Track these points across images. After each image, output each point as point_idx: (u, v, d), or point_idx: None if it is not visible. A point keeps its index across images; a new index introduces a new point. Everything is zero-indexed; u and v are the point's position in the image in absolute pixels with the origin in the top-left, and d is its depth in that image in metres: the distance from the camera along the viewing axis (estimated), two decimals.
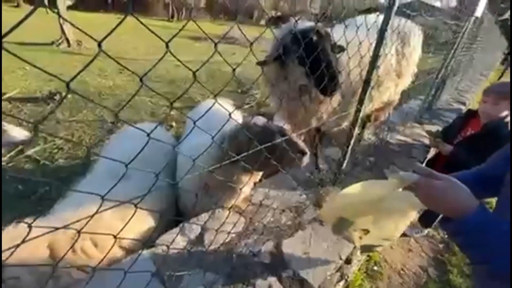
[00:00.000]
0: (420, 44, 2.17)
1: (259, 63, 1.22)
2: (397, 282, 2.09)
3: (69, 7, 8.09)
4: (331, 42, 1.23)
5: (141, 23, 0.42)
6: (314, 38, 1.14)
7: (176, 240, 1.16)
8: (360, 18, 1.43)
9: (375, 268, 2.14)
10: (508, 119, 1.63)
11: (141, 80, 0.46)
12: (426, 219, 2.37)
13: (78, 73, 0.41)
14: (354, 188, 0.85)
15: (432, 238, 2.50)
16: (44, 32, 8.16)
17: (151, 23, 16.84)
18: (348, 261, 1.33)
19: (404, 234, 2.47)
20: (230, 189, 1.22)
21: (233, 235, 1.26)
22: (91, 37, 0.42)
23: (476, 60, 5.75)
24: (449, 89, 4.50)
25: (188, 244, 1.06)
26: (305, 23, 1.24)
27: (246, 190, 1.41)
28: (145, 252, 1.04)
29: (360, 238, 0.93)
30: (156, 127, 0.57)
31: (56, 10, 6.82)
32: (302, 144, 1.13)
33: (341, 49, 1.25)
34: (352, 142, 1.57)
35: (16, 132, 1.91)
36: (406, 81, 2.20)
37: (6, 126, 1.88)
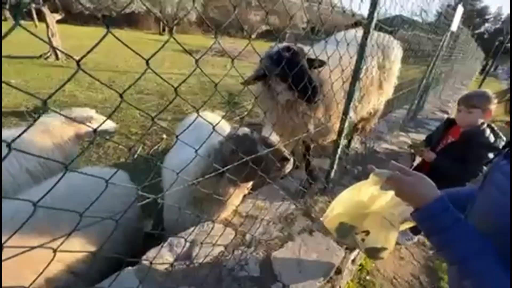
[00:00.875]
0: (400, 57, 2.29)
1: (243, 83, 1.30)
2: None
3: (59, 21, 8.07)
4: (306, 57, 1.32)
5: (117, 38, 0.44)
6: (288, 55, 1.25)
7: (163, 255, 1.14)
8: (340, 34, 1.51)
9: (368, 277, 2.13)
10: (484, 126, 1.70)
11: (121, 96, 0.46)
12: (416, 226, 2.40)
13: (55, 92, 0.42)
14: (344, 193, 0.94)
15: (423, 245, 2.52)
16: (33, 45, 8.09)
17: (143, 37, 17.01)
18: (338, 271, 1.32)
19: (395, 242, 2.48)
20: (218, 202, 1.21)
21: (222, 248, 1.24)
22: (71, 57, 0.42)
23: (455, 71, 6.04)
24: (432, 99, 4.68)
25: (176, 259, 1.04)
26: (281, 44, 1.36)
27: (235, 202, 1.41)
28: (130, 269, 1.01)
29: (363, 240, 0.97)
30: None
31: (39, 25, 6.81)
32: (284, 151, 1.14)
33: (322, 63, 1.34)
34: (339, 151, 1.60)
35: (108, 124, 2.28)
36: (388, 92, 2.31)
37: (96, 116, 2.15)
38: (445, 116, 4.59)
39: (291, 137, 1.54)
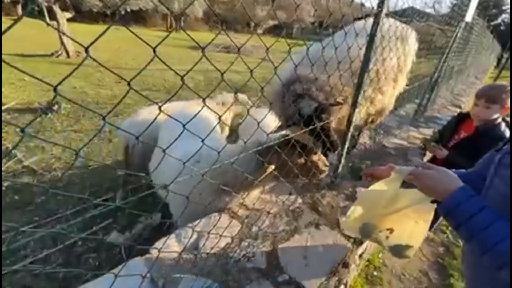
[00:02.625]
0: (415, 49, 2.22)
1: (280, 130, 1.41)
2: (397, 287, 2.06)
3: (69, 20, 8.22)
4: (329, 104, 1.36)
5: (130, 30, 0.44)
6: (317, 114, 1.30)
7: (170, 246, 1.16)
8: (348, 27, 1.48)
9: (375, 273, 2.12)
10: (499, 120, 1.64)
11: (129, 84, 0.47)
12: None
13: (65, 78, 0.42)
14: (365, 193, 0.96)
15: (432, 241, 2.48)
16: (44, 44, 8.28)
17: (149, 33, 17.12)
18: (345, 265, 1.31)
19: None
20: (247, 185, 1.31)
21: (228, 239, 1.25)
22: (80, 44, 0.43)
23: (469, 64, 5.84)
24: (444, 93, 4.55)
25: (183, 250, 1.05)
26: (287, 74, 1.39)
27: (259, 188, 1.50)
28: (138, 258, 1.03)
29: (387, 237, 0.97)
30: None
31: (52, 23, 6.94)
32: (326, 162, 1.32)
33: (338, 103, 1.36)
34: (346, 145, 1.58)
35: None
36: (401, 85, 2.25)
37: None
38: (458, 110, 4.45)
39: None
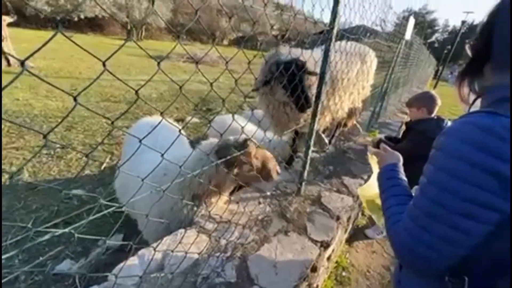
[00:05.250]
0: (375, 63, 2.63)
1: (254, 90, 1.58)
2: (364, 285, 2.17)
3: (10, 24, 7.39)
4: (306, 70, 1.55)
5: (71, 40, 0.41)
6: (294, 70, 1.44)
7: (132, 269, 1.07)
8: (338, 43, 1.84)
9: (344, 274, 2.21)
10: (428, 117, 2.15)
11: (75, 99, 0.44)
12: None
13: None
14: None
15: None
16: None
17: (108, 42, 16.17)
18: (314, 269, 1.35)
19: (367, 237, 2.61)
20: (215, 194, 1.41)
21: (196, 256, 1.20)
22: (16, 58, 0.39)
23: (412, 76, 6.62)
24: (393, 101, 5.07)
25: (146, 272, 0.98)
26: (287, 56, 1.58)
27: (228, 191, 1.56)
28: (95, 287, 0.93)
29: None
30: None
31: None
32: (275, 170, 1.43)
33: (315, 73, 1.55)
34: (310, 152, 1.65)
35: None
36: (366, 93, 2.66)
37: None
38: (405, 116, 4.99)
39: (285, 127, 1.79)
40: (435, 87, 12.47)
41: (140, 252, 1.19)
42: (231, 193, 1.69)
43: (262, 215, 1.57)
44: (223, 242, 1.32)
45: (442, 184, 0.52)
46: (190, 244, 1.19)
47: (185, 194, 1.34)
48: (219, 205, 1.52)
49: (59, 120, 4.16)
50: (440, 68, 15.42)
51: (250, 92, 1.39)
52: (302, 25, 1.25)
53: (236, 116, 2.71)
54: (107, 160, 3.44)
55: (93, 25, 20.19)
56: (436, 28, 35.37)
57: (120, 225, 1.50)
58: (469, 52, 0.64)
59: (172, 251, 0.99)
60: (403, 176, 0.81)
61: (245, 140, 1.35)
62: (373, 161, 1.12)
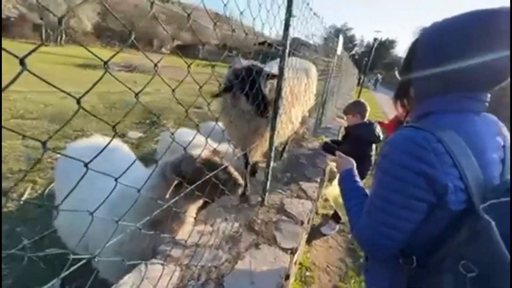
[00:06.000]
0: (316, 75, 2.88)
1: (215, 96, 1.50)
2: (326, 280, 2.34)
3: None
4: (265, 74, 1.55)
5: None
6: (253, 75, 1.46)
7: None
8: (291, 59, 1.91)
9: (307, 273, 2.34)
10: (362, 122, 2.53)
11: None
12: (336, 216, 2.82)
13: None
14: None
15: (344, 232, 2.98)
16: None
17: (15, 46, 13.47)
18: (287, 277, 1.40)
19: (322, 234, 2.83)
20: (177, 219, 1.33)
21: None
22: None
23: (343, 84, 7.58)
24: (331, 108, 5.69)
25: None
26: (244, 62, 1.58)
27: (192, 214, 1.47)
28: None
29: None
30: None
31: None
32: (238, 178, 1.35)
33: (274, 75, 1.56)
34: (271, 164, 1.72)
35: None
36: (311, 102, 2.91)
37: None
38: (342, 121, 5.65)
39: (247, 141, 1.74)
40: (359, 94, 14.54)
41: None
42: (196, 213, 1.61)
43: (231, 231, 1.55)
44: (195, 268, 1.25)
45: (388, 185, 0.66)
46: (157, 278, 1.09)
47: (145, 220, 1.22)
48: (185, 228, 1.43)
49: None
50: (362, 76, 18.18)
51: (195, 102, 1.33)
52: (243, 36, 1.29)
53: (188, 129, 2.60)
54: (28, 190, 2.83)
55: None
56: (355, 42, 41.75)
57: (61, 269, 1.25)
58: (398, 77, 0.79)
59: None
60: (357, 177, 0.96)
61: (207, 156, 1.32)
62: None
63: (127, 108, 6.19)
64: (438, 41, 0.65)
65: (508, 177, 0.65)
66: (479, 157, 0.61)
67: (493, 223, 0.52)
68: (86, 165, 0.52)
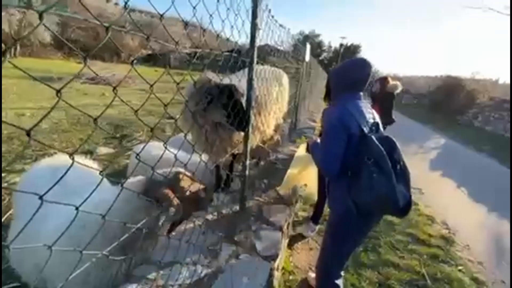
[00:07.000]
0: (288, 82, 2.95)
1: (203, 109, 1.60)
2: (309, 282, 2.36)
3: None
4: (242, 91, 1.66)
5: None
6: (234, 92, 1.58)
7: None
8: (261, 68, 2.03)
9: (291, 277, 2.35)
10: None
11: None
12: (315, 218, 2.88)
13: None
14: (295, 159, 2.09)
15: (322, 232, 3.04)
16: None
17: None
18: (270, 284, 1.39)
19: (303, 236, 2.87)
20: (153, 237, 1.29)
21: None
22: None
23: (313, 88, 7.88)
24: (303, 111, 5.88)
25: None
26: (210, 75, 1.67)
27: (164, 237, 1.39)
28: None
29: (304, 190, 2.25)
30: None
31: None
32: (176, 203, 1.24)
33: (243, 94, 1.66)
34: (247, 172, 1.72)
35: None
36: (284, 109, 2.96)
37: None
38: (314, 124, 5.85)
39: (220, 151, 1.80)
40: None
41: None
42: (170, 231, 1.55)
43: (209, 245, 1.52)
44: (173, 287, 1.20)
45: (328, 133, 1.35)
46: None
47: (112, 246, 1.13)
48: (159, 246, 1.36)
49: None
50: None
51: (166, 113, 1.28)
52: (214, 42, 1.30)
53: (158, 143, 2.51)
54: None
55: None
56: (324, 48, 43.76)
57: None
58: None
59: None
60: (318, 143, 1.54)
61: (177, 173, 1.27)
62: (300, 148, 1.76)
63: (92, 124, 5.84)
64: (342, 70, 1.45)
65: (381, 128, 1.40)
66: (362, 114, 1.33)
67: (373, 137, 1.25)
68: (41, 197, 0.49)
